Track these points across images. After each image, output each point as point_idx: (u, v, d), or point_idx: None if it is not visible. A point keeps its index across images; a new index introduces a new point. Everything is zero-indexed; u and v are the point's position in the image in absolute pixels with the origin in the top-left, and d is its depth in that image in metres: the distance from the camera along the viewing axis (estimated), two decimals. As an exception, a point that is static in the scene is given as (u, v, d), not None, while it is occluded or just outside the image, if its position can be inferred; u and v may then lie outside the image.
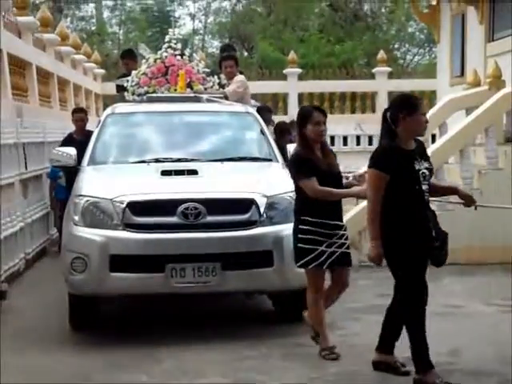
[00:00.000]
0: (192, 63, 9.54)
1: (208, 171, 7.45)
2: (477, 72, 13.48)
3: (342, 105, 20.77)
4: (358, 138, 20.27)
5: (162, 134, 8.45)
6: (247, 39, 34.21)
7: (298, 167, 6.34)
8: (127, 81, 9.59)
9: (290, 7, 32.21)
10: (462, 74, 15.30)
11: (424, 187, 5.61)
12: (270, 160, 8.13)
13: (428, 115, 13.92)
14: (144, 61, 9.74)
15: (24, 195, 10.63)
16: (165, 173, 7.38)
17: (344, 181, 6.53)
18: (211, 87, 9.48)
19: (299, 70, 21.07)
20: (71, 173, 9.39)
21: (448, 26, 16.36)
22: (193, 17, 39.89)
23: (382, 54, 21.29)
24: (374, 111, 20.79)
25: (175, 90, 9.23)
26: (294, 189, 6.97)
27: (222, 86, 9.72)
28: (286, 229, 6.75)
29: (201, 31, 40.52)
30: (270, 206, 7.03)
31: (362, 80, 21.31)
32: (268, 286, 7.03)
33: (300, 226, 6.27)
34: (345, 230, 6.38)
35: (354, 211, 10.14)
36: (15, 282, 9.35)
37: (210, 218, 6.86)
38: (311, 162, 6.26)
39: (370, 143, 20.12)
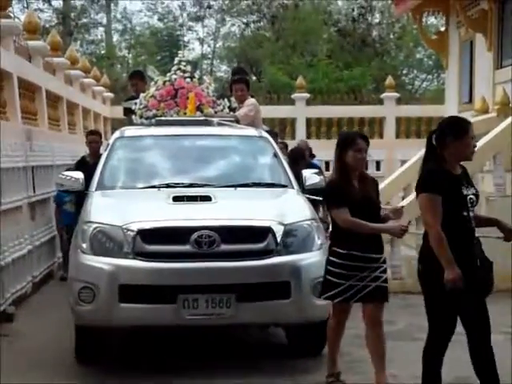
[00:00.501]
0: (202, 86, 9.35)
1: (221, 197, 7.12)
2: (485, 99, 13.51)
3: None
4: (366, 163, 20.22)
5: (173, 159, 8.11)
6: (256, 64, 34.30)
7: (331, 196, 6.04)
8: (135, 103, 9.38)
9: (299, 32, 32.35)
10: (471, 100, 15.33)
11: (471, 214, 5.31)
12: (285, 186, 7.81)
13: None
14: (153, 83, 9.53)
15: (32, 218, 10.65)
16: (176, 199, 7.07)
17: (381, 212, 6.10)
18: (221, 110, 9.28)
19: (307, 95, 21.13)
20: (80, 198, 9.34)
21: (456, 53, 16.41)
22: (202, 41, 40.10)
23: (390, 80, 21.36)
24: (381, 137, 20.84)
25: (185, 113, 9.02)
26: (312, 216, 6.94)
27: (232, 109, 9.52)
28: (304, 258, 6.62)
29: (209, 55, 40.69)
30: (287, 234, 6.70)
31: (370, 106, 21.36)
32: (285, 319, 6.71)
33: (330, 258, 5.98)
34: (383, 263, 5.96)
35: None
36: (22, 305, 9.35)
37: (224, 247, 6.52)
38: (345, 190, 5.92)
39: (378, 168, 20.15)
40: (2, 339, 7.85)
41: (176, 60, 9.56)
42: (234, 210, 6.99)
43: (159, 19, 39.62)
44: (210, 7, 37.25)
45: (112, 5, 38.16)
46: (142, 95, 9.41)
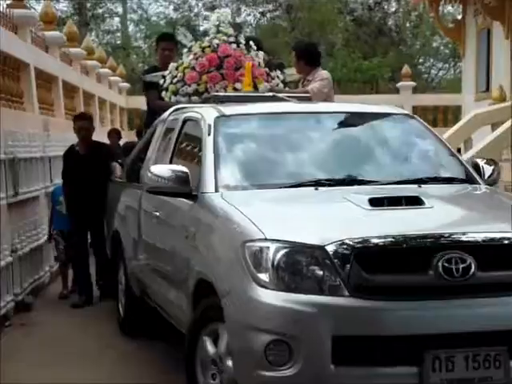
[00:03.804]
0: (251, 54, 7.48)
1: (428, 199, 5.00)
2: (502, 87, 13.45)
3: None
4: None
5: (308, 145, 5.96)
6: (271, 53, 34.28)
7: None
8: (163, 76, 7.52)
9: (314, 22, 32.31)
10: (488, 89, 15.27)
11: None
12: (467, 181, 5.83)
13: (453, 130, 13.92)
14: (185, 50, 7.59)
15: (49, 207, 10.68)
16: (374, 202, 4.88)
17: None
18: (277, 85, 7.46)
19: (323, 85, 21.11)
20: (74, 198, 8.58)
21: (473, 41, 16.34)
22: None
23: (406, 69, 21.30)
24: (398, 126, 20.79)
25: (234, 88, 7.23)
26: None
27: (286, 83, 7.83)
28: None
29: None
30: None
31: (386, 95, 21.33)
32: None
33: None
34: None
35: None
36: (40, 295, 9.40)
37: (482, 275, 4.37)
38: None
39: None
40: (20, 328, 7.90)
41: (213, 19, 7.69)
42: (473, 219, 5.05)
43: (175, 9, 39.65)
44: (225, -4, 37.24)
45: (128, -5, 38.26)
46: (172, 65, 7.57)
